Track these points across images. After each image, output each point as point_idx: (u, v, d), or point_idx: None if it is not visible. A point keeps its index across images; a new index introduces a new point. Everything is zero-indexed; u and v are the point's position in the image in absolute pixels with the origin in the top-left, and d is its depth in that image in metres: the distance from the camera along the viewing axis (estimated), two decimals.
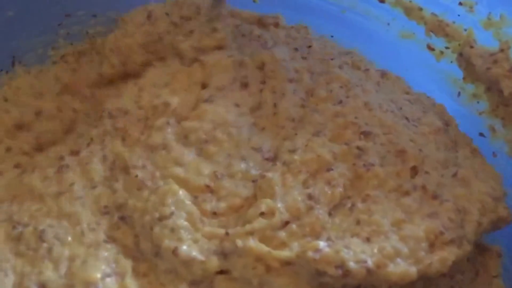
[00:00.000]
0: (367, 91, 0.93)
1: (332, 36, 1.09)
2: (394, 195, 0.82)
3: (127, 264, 0.78)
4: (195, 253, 0.76)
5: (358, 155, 0.84)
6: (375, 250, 0.75)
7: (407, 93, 0.99)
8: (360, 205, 0.80)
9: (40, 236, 0.79)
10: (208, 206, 0.81)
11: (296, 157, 0.83)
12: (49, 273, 0.76)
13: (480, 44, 0.95)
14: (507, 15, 0.93)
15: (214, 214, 0.80)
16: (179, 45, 0.97)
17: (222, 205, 0.81)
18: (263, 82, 0.94)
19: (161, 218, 0.78)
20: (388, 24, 1.07)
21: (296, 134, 0.87)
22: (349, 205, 0.80)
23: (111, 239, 0.80)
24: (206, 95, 0.92)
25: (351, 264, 0.72)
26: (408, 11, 1.02)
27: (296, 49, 1.01)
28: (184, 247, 0.76)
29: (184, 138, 0.87)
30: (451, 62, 1.00)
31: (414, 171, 0.84)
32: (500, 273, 0.89)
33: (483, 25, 0.96)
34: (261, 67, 0.96)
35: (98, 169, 0.88)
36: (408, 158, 0.85)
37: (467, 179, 0.85)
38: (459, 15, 0.98)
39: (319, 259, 0.73)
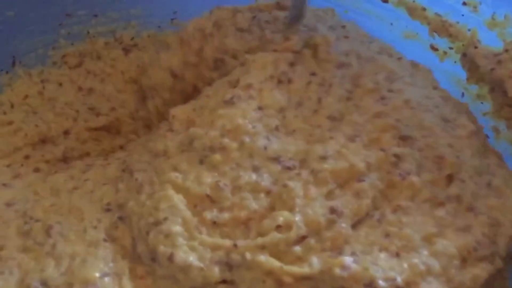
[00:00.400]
0: (407, 85, 0.87)
1: None
2: (428, 206, 0.76)
3: (124, 265, 0.77)
4: (192, 259, 0.73)
5: (394, 163, 0.78)
6: (405, 266, 0.70)
7: (436, 88, 0.92)
8: (390, 216, 0.74)
9: (47, 231, 0.80)
10: (208, 216, 0.76)
11: (326, 165, 0.77)
12: (50, 270, 0.76)
13: (484, 45, 0.94)
14: (511, 15, 0.92)
15: (214, 223, 0.75)
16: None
17: (225, 216, 0.76)
18: (313, 74, 0.87)
19: (156, 223, 0.76)
20: (391, 24, 1.06)
21: (331, 137, 0.80)
22: (377, 216, 0.75)
23: (110, 238, 0.79)
24: (228, 96, 0.84)
25: (381, 283, 0.68)
26: (412, 11, 1.02)
27: (332, 28, 0.95)
28: (180, 254, 0.73)
29: (189, 145, 0.83)
30: (455, 62, 0.99)
31: (450, 179, 0.78)
32: None
33: (488, 25, 0.95)
34: (315, 54, 0.89)
35: (113, 168, 0.89)
36: (445, 165, 0.78)
37: (500, 188, 0.79)
38: (463, 15, 0.97)
39: (347, 277, 0.68)
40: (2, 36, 0.99)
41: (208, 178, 0.78)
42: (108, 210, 0.82)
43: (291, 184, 0.75)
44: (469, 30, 0.96)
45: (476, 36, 0.95)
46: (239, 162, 0.79)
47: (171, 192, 0.78)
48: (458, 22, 0.98)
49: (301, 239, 0.72)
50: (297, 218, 0.73)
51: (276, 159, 0.79)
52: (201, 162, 0.80)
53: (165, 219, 0.76)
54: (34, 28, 1.02)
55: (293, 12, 0.94)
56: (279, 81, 0.86)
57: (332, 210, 0.74)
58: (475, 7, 0.96)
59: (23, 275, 0.76)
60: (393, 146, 0.79)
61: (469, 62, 0.95)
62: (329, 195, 0.76)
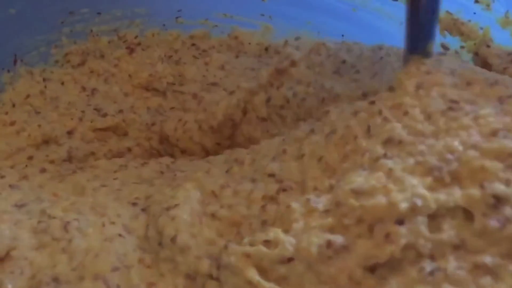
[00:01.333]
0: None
1: (342, 36, 1.07)
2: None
3: (135, 256, 0.78)
4: (191, 243, 0.75)
5: (493, 205, 0.60)
6: None
7: None
8: (457, 273, 0.58)
9: (65, 227, 0.80)
10: (210, 208, 0.79)
11: (361, 203, 0.64)
12: (62, 266, 0.76)
13: (497, 44, 0.93)
14: None
15: (213, 216, 0.78)
16: None
17: (222, 211, 0.78)
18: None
19: (168, 208, 0.80)
20: (401, 23, 1.00)
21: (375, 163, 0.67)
22: (428, 268, 0.60)
23: (126, 230, 0.81)
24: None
25: None
26: None
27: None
28: (183, 236, 0.76)
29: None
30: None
31: None
32: None
33: (501, 24, 0.94)
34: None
35: (149, 170, 0.91)
36: None
37: None
38: (475, 13, 0.96)
39: None
40: (3, 34, 0.98)
41: (221, 179, 0.82)
42: (134, 204, 0.85)
43: (294, 205, 0.71)
44: (481, 28, 0.95)
45: (488, 35, 0.94)
46: (248, 175, 0.81)
47: (190, 185, 0.82)
48: (470, 21, 0.96)
49: (287, 261, 0.68)
50: (289, 239, 0.68)
51: (272, 176, 0.78)
52: (227, 171, 0.84)
53: (177, 205, 0.79)
54: (36, 26, 1.01)
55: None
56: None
57: (329, 244, 0.66)
58: (487, 5, 0.95)
59: (34, 272, 0.76)
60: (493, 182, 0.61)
61: (482, 62, 0.94)
62: (334, 229, 0.67)
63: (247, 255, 0.70)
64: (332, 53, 0.98)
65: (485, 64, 0.93)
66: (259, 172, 0.79)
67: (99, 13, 1.06)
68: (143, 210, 0.83)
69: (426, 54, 0.76)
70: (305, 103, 0.94)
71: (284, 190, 0.75)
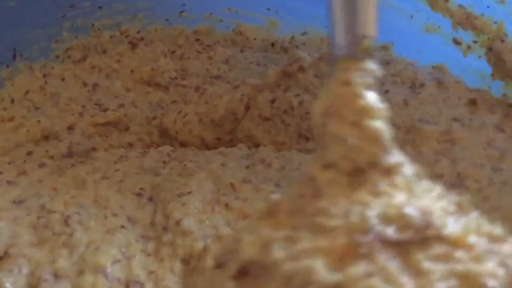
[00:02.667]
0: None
1: None
2: None
3: (137, 247, 0.78)
4: (195, 227, 0.77)
5: None
6: None
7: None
8: None
9: (66, 221, 0.79)
10: (225, 198, 0.81)
11: None
12: (62, 261, 0.76)
13: (511, 38, 0.92)
14: None
15: (226, 205, 0.80)
16: None
17: (236, 202, 0.80)
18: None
19: (180, 195, 0.81)
20: (411, 17, 1.03)
21: None
22: None
23: (131, 221, 0.81)
24: None
25: None
26: (433, 3, 0.98)
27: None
28: (189, 220, 0.77)
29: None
30: (479, 57, 0.97)
31: None
32: None
33: None
34: None
35: (151, 159, 0.91)
36: None
37: None
38: (488, 7, 0.94)
39: None
40: (2, 28, 0.96)
41: (241, 173, 0.84)
42: (139, 194, 0.84)
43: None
44: (495, 22, 0.94)
45: (502, 29, 0.93)
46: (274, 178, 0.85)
47: (203, 175, 0.84)
48: (483, 14, 0.95)
49: None
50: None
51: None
52: (247, 167, 0.86)
53: (189, 192, 0.81)
54: (36, 20, 0.99)
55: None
56: None
57: None
58: None
59: (33, 269, 0.75)
60: None
61: (495, 57, 0.93)
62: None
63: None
64: None
65: (499, 60, 0.93)
66: (286, 180, 0.83)
67: (100, 7, 1.04)
68: (150, 199, 0.83)
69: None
70: (308, 119, 0.93)
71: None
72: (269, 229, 0.49)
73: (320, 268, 0.45)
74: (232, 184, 0.83)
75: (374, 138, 0.50)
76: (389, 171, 0.50)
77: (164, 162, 0.90)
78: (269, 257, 0.47)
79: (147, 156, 0.92)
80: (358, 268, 0.44)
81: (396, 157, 0.51)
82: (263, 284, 0.47)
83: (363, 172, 0.49)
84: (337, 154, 0.50)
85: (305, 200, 0.50)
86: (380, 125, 0.51)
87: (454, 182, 0.81)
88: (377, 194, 0.48)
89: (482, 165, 0.83)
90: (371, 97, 0.51)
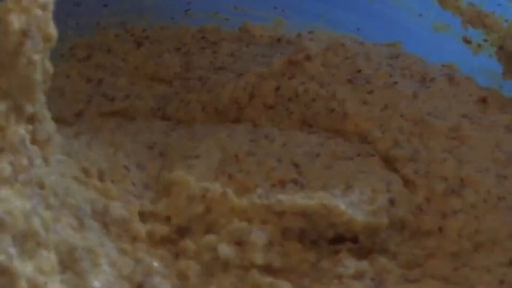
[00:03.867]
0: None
1: (358, 29, 1.04)
2: None
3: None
4: (189, 178, 0.78)
5: None
6: None
7: None
8: None
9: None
10: (229, 169, 0.83)
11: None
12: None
13: None
14: None
15: (229, 176, 0.82)
16: None
17: (239, 175, 0.82)
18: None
19: (187, 157, 0.83)
20: (420, 15, 1.03)
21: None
22: None
23: (139, 167, 0.83)
24: None
25: None
26: (443, 1, 0.98)
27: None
28: (183, 173, 0.79)
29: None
30: (490, 56, 0.97)
31: None
32: None
33: None
34: None
35: (157, 127, 0.93)
36: None
37: None
38: (499, 5, 0.94)
39: None
40: None
41: (246, 146, 0.86)
42: (150, 147, 0.87)
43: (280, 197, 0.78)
44: (506, 21, 0.94)
45: None
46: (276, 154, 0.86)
47: (212, 142, 0.86)
48: (494, 12, 0.94)
49: None
50: None
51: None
52: (252, 140, 0.88)
53: (197, 157, 0.83)
54: None
55: None
56: None
57: None
58: None
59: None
60: None
61: (506, 56, 0.93)
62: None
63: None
64: (349, 56, 0.97)
65: (510, 59, 0.92)
66: (287, 156, 0.85)
67: (106, 5, 1.04)
68: (161, 154, 0.86)
69: None
70: (313, 106, 0.93)
71: (296, 183, 0.82)
72: None
73: None
74: (236, 156, 0.84)
75: None
76: None
77: (173, 129, 0.91)
78: None
79: (156, 125, 0.92)
80: None
81: None
82: None
83: None
84: None
85: None
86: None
87: (454, 189, 0.80)
88: None
89: (487, 170, 0.81)
90: None
